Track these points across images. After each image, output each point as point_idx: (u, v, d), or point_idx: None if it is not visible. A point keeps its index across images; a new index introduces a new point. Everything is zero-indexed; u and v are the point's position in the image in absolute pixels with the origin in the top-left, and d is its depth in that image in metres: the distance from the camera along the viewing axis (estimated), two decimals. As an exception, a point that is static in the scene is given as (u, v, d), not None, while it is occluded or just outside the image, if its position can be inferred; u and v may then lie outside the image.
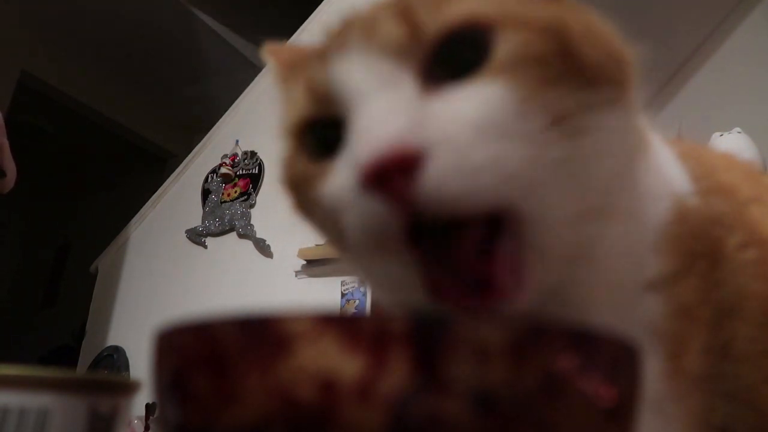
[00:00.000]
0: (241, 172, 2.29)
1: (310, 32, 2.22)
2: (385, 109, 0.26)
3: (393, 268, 0.27)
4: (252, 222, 2.18)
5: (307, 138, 0.31)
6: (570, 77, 0.27)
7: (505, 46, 0.26)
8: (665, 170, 0.33)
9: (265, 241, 2.10)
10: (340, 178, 0.27)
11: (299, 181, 0.31)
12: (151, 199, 2.55)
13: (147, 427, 1.65)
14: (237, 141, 2.35)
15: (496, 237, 0.25)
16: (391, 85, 0.26)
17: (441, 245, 0.25)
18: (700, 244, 0.31)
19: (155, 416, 1.60)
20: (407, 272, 0.26)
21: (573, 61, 0.27)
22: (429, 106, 0.26)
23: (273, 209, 2.15)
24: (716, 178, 0.34)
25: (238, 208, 2.22)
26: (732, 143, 1.71)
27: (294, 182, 0.33)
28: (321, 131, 0.30)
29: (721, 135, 1.76)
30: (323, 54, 0.30)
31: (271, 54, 0.39)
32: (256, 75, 2.41)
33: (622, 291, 0.30)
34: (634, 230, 0.31)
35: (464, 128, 0.25)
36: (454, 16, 0.27)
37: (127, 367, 2.23)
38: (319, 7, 2.27)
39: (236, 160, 2.32)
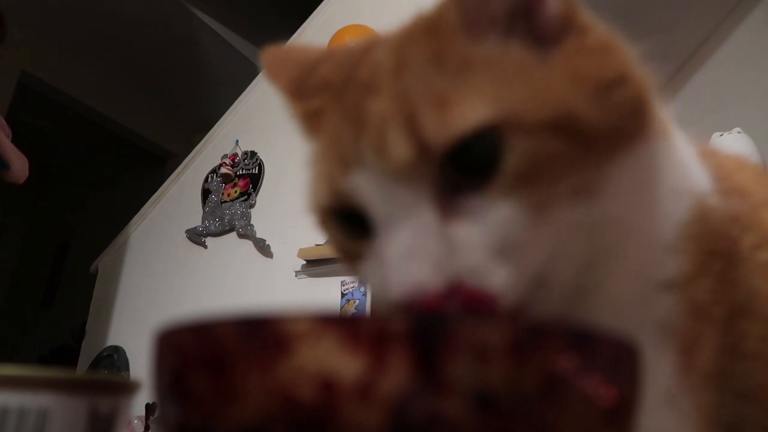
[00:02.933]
0: (241, 172, 2.29)
1: (310, 32, 2.22)
2: (409, 247, 0.26)
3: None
4: (252, 222, 2.18)
5: (336, 220, 0.32)
6: (586, 154, 0.27)
7: (513, 157, 0.26)
8: (688, 168, 0.34)
9: (265, 241, 2.10)
10: (376, 276, 0.28)
11: (344, 253, 0.33)
12: (151, 199, 2.55)
13: (147, 427, 1.65)
14: (237, 141, 2.35)
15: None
16: (410, 211, 0.27)
17: None
18: (718, 244, 0.31)
19: (155, 416, 1.60)
20: None
21: (586, 140, 0.27)
22: (448, 234, 0.26)
23: (273, 209, 2.15)
24: (732, 180, 0.35)
25: (238, 208, 2.22)
26: (732, 143, 1.71)
27: (341, 252, 0.34)
28: (347, 217, 0.31)
29: (721, 135, 1.76)
30: (332, 150, 0.30)
31: (269, 64, 0.39)
32: (256, 75, 2.41)
33: (638, 289, 0.31)
34: (653, 230, 0.31)
35: (484, 257, 0.26)
36: (458, 128, 0.26)
37: (127, 367, 2.23)
38: (319, 7, 2.27)
39: (236, 160, 2.32)
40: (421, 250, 0.26)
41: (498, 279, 0.26)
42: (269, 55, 0.39)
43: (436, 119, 0.26)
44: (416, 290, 0.25)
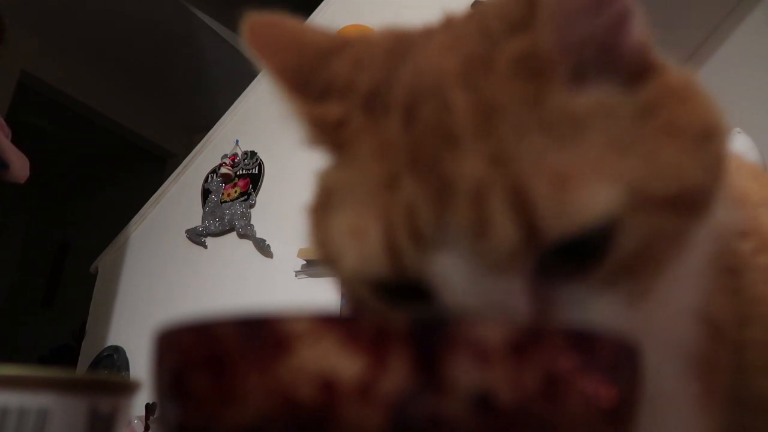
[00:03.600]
0: (241, 172, 2.29)
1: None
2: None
3: None
4: (252, 222, 2.18)
5: (379, 290, 0.26)
6: (690, 223, 0.24)
7: (627, 241, 0.22)
8: None
9: (265, 241, 2.10)
10: None
11: (360, 303, 0.28)
12: (151, 199, 2.55)
13: (147, 427, 1.65)
14: (237, 141, 2.35)
15: None
16: (501, 304, 0.22)
17: None
18: (727, 260, 0.30)
19: (155, 416, 1.60)
20: None
21: (691, 206, 0.23)
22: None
23: (273, 209, 2.15)
24: (732, 184, 0.32)
25: (238, 208, 2.22)
26: (732, 143, 1.71)
27: (354, 301, 0.29)
28: (397, 289, 0.25)
29: (721, 135, 1.75)
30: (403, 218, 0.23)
31: (254, 36, 0.32)
32: (256, 75, 2.41)
33: (669, 320, 0.28)
34: (690, 264, 0.28)
35: None
36: (583, 215, 0.21)
37: (127, 367, 2.23)
38: (319, 7, 2.27)
39: (236, 160, 2.32)
40: None
41: None
42: (254, 24, 0.32)
43: (554, 200, 0.21)
44: None
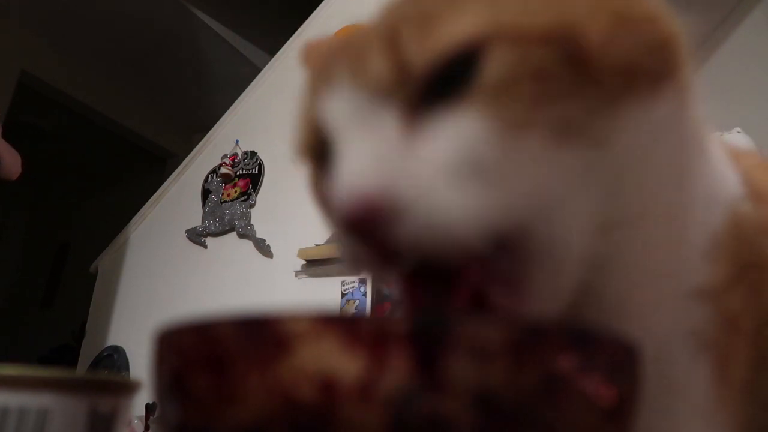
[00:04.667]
0: (241, 172, 2.29)
1: (310, 32, 2.22)
2: (364, 156, 0.25)
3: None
4: (252, 222, 2.18)
5: (315, 159, 0.31)
6: (584, 86, 0.24)
7: (492, 67, 0.24)
8: (721, 175, 0.31)
9: (265, 241, 2.10)
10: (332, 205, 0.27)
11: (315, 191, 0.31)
12: (151, 199, 2.55)
13: (147, 427, 1.65)
14: (237, 141, 2.35)
15: (493, 256, 0.24)
16: (375, 125, 0.25)
17: (435, 276, 0.25)
18: (751, 255, 0.29)
19: (155, 416, 1.60)
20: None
21: (587, 68, 0.24)
22: (409, 148, 0.24)
23: (273, 209, 2.15)
24: (757, 182, 0.32)
25: (238, 208, 2.22)
26: (732, 143, 1.71)
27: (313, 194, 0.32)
28: (322, 154, 0.29)
29: (721, 135, 1.76)
30: (316, 83, 0.29)
31: (308, 57, 0.37)
32: (256, 75, 2.42)
33: (665, 297, 0.28)
34: (682, 236, 0.28)
35: (441, 173, 0.23)
36: (443, 44, 0.24)
37: (127, 367, 2.23)
38: (319, 7, 2.27)
39: (236, 160, 2.32)
40: (374, 161, 0.24)
41: (455, 203, 0.23)
42: (310, 46, 0.38)
43: (418, 38, 0.25)
44: (353, 196, 0.23)
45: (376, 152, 0.25)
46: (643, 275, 0.28)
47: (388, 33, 0.26)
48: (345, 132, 0.26)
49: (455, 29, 0.24)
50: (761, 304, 0.29)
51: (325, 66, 0.29)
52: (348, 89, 0.26)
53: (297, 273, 1.97)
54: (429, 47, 0.24)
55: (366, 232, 0.23)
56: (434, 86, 0.25)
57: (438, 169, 0.24)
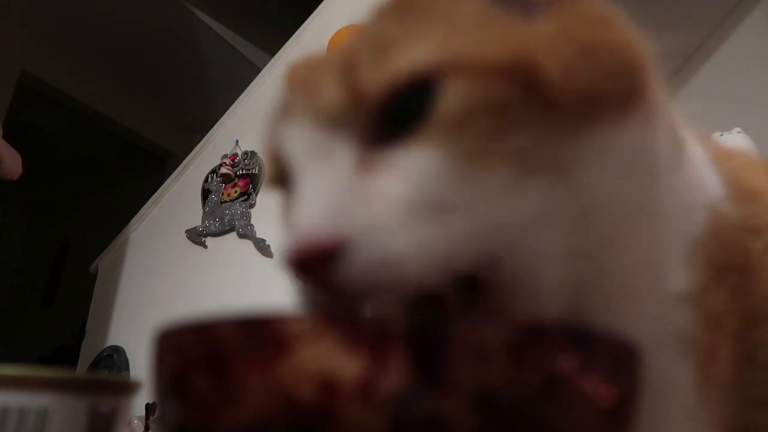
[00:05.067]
0: (241, 172, 2.29)
1: (310, 32, 2.22)
2: (314, 191, 0.24)
3: None
4: (252, 222, 2.18)
5: (282, 188, 0.30)
6: (545, 116, 0.23)
7: (447, 100, 0.23)
8: (701, 178, 0.31)
9: (265, 241, 2.10)
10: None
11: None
12: (151, 199, 2.55)
13: (147, 427, 1.65)
14: (237, 141, 2.35)
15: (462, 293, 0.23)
16: (329, 160, 0.25)
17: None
18: (732, 256, 0.30)
19: (155, 416, 1.60)
20: None
21: (547, 99, 0.23)
22: (363, 185, 0.24)
23: (273, 209, 2.15)
24: (742, 180, 0.33)
25: (238, 208, 2.22)
26: (732, 143, 1.71)
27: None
28: (287, 184, 0.29)
29: (721, 135, 1.76)
30: (277, 113, 0.29)
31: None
32: (256, 75, 2.41)
33: (649, 307, 0.28)
34: (661, 245, 0.28)
35: (391, 210, 0.23)
36: (397, 72, 0.23)
37: (127, 367, 2.23)
38: (320, 7, 2.26)
39: (236, 160, 2.32)
40: (323, 197, 0.23)
41: (402, 241, 0.22)
42: (295, 67, 0.37)
43: (374, 64, 0.24)
44: (301, 237, 0.22)
45: (328, 190, 0.24)
46: (625, 288, 0.27)
47: (344, 61, 0.25)
48: (301, 165, 0.26)
49: (410, 58, 0.24)
50: (747, 303, 0.29)
51: (284, 95, 0.29)
52: (303, 120, 0.26)
53: (297, 273, 1.97)
54: (382, 75, 0.24)
55: (310, 272, 0.23)
56: (389, 118, 0.24)
57: (391, 207, 0.23)
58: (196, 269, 2.26)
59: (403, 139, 0.24)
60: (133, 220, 2.56)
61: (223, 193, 2.29)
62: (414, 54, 0.24)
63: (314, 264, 0.22)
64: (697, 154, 0.32)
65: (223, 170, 2.29)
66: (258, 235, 2.13)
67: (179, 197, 2.47)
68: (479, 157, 0.23)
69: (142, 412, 1.65)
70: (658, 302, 0.28)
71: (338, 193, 0.24)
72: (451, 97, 0.23)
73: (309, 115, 0.26)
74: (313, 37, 2.16)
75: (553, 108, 0.23)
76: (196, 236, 2.29)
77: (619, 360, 0.20)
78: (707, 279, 0.29)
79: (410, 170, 0.23)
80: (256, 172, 2.26)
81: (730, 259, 0.30)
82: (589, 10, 0.26)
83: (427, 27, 0.25)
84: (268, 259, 2.09)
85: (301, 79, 0.28)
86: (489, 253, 0.23)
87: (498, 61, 0.23)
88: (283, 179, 0.29)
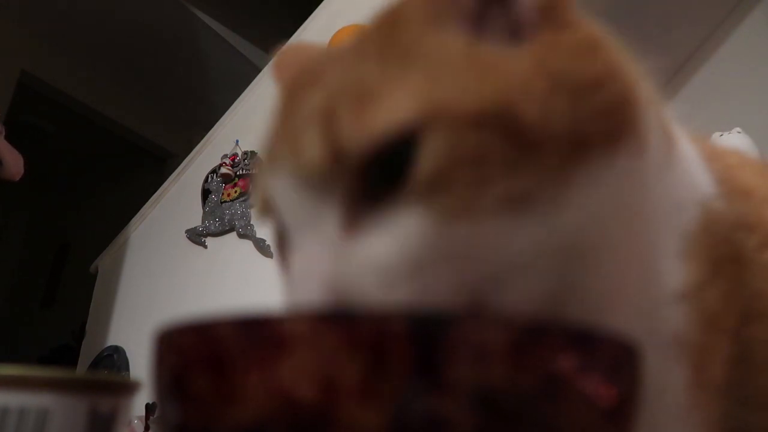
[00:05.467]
0: (241, 172, 2.29)
1: (310, 32, 2.22)
2: (307, 262, 0.24)
3: None
4: (252, 222, 2.18)
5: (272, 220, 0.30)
6: (528, 160, 0.23)
7: (428, 155, 0.22)
8: (693, 175, 0.31)
9: (265, 241, 2.10)
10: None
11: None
12: (151, 199, 2.55)
13: (147, 427, 1.65)
14: (237, 141, 2.35)
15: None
16: (315, 224, 0.24)
17: None
18: (725, 250, 0.30)
19: (155, 416, 1.60)
20: None
21: (528, 142, 0.22)
22: (347, 251, 0.23)
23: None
24: (735, 179, 0.33)
25: (238, 208, 2.22)
26: (732, 143, 1.71)
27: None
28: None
29: (721, 135, 1.76)
30: (265, 154, 0.28)
31: (278, 64, 0.36)
32: (256, 75, 2.42)
33: (641, 302, 0.28)
34: (652, 243, 0.28)
35: (378, 277, 0.23)
36: (377, 128, 0.23)
37: (127, 367, 2.23)
38: (320, 7, 2.27)
39: (236, 160, 2.32)
40: (316, 268, 0.23)
41: (393, 299, 0.22)
42: (281, 54, 0.36)
43: (354, 119, 0.23)
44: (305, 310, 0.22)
45: (319, 262, 0.24)
46: (617, 287, 0.27)
47: (323, 110, 0.24)
48: (290, 225, 0.26)
49: (389, 114, 0.23)
50: (742, 301, 0.29)
51: (267, 141, 0.28)
52: (287, 178, 0.25)
53: (297, 273, 1.97)
54: (362, 133, 0.23)
55: None
56: (373, 176, 0.23)
57: (376, 270, 0.23)
58: (196, 269, 2.26)
59: (388, 198, 0.23)
60: (133, 220, 2.57)
61: (223, 193, 2.29)
62: (393, 107, 0.23)
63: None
64: (688, 152, 0.32)
65: (223, 170, 2.29)
66: (258, 235, 2.13)
67: (179, 197, 2.47)
68: (464, 211, 0.22)
69: (142, 412, 1.66)
70: (654, 304, 0.28)
71: (329, 262, 0.23)
72: (431, 152, 0.22)
73: (292, 174, 0.25)
74: (313, 37, 2.16)
75: (536, 150, 0.23)
76: (196, 236, 2.29)
77: (619, 360, 0.20)
78: (703, 275, 0.29)
79: (395, 232, 0.23)
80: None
81: (724, 255, 0.30)
82: (571, 38, 0.25)
83: (407, 72, 0.24)
84: (268, 259, 2.09)
85: (281, 125, 0.27)
86: (474, 296, 0.23)
87: (475, 110, 0.22)
88: (273, 220, 0.28)
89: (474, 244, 0.23)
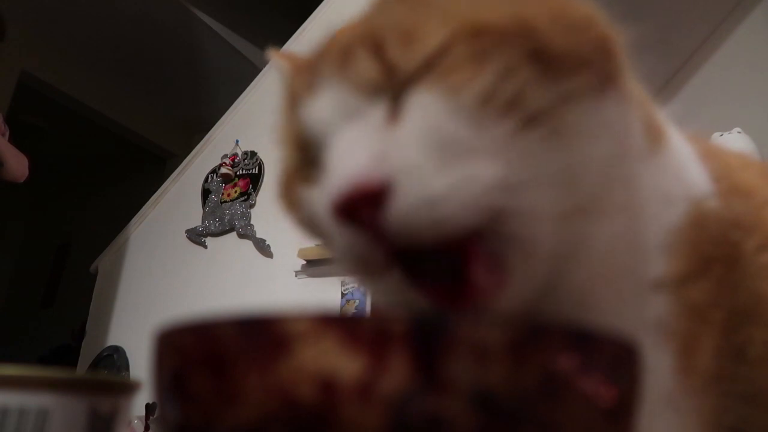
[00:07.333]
0: (241, 172, 2.29)
1: (310, 33, 2.22)
2: (352, 142, 0.26)
3: (381, 281, 0.27)
4: (252, 222, 2.18)
5: (300, 170, 0.33)
6: (539, 72, 0.26)
7: (455, 52, 0.26)
8: (684, 171, 0.33)
9: (265, 241, 2.10)
10: (321, 205, 0.28)
11: (294, 202, 0.34)
12: (151, 199, 2.55)
13: (147, 427, 1.65)
14: (237, 141, 2.35)
15: (475, 238, 0.25)
16: (362, 118, 0.27)
17: (422, 259, 0.26)
18: (717, 249, 0.31)
19: (155, 416, 1.60)
20: (396, 283, 0.26)
21: (540, 55, 0.26)
22: (394, 131, 0.26)
23: (273, 209, 2.14)
24: (734, 179, 0.34)
25: (238, 208, 2.22)
26: (732, 143, 1.71)
27: (289, 202, 0.36)
28: (307, 163, 0.31)
29: (721, 135, 1.76)
30: (297, 91, 0.31)
31: (280, 59, 0.39)
32: (256, 75, 2.41)
33: (623, 289, 0.30)
34: (637, 229, 0.30)
35: (423, 151, 0.25)
36: (424, 51, 0.27)
37: (127, 367, 2.23)
38: (319, 7, 2.26)
39: (236, 160, 2.32)
40: (361, 146, 0.26)
41: (440, 182, 0.24)
42: (280, 54, 0.40)
43: (402, 46, 0.27)
44: (347, 182, 0.24)
45: (365, 140, 0.26)
46: (603, 268, 0.29)
47: (372, 40, 0.28)
48: (333, 127, 0.28)
49: (429, 40, 0.27)
50: (735, 298, 0.30)
51: (307, 72, 0.31)
52: (336, 89, 0.28)
53: (297, 273, 1.97)
54: (413, 54, 0.27)
55: (358, 215, 0.24)
56: (413, 80, 0.27)
57: (420, 150, 0.25)
58: (196, 269, 2.26)
59: (419, 93, 0.27)
60: (133, 220, 2.56)
61: (223, 193, 2.29)
62: (432, 35, 0.27)
63: (361, 207, 0.24)
64: (682, 149, 0.33)
65: (223, 170, 2.29)
66: (258, 235, 2.13)
67: (179, 197, 2.47)
68: (484, 105, 0.25)
69: (142, 412, 1.66)
70: (636, 287, 0.30)
71: (376, 140, 0.26)
72: (459, 50, 0.26)
73: (343, 85, 0.28)
74: (313, 37, 2.15)
75: (550, 67, 0.26)
76: (196, 236, 2.29)
77: (619, 360, 0.20)
78: (688, 269, 0.30)
79: (428, 117, 0.26)
80: (256, 172, 2.26)
81: (716, 252, 0.31)
82: None
83: (434, 6, 0.28)
84: (268, 259, 2.10)
85: (336, 50, 0.30)
86: (497, 201, 0.25)
87: (503, 23, 0.26)
88: (308, 157, 0.30)
89: (494, 140, 0.25)
